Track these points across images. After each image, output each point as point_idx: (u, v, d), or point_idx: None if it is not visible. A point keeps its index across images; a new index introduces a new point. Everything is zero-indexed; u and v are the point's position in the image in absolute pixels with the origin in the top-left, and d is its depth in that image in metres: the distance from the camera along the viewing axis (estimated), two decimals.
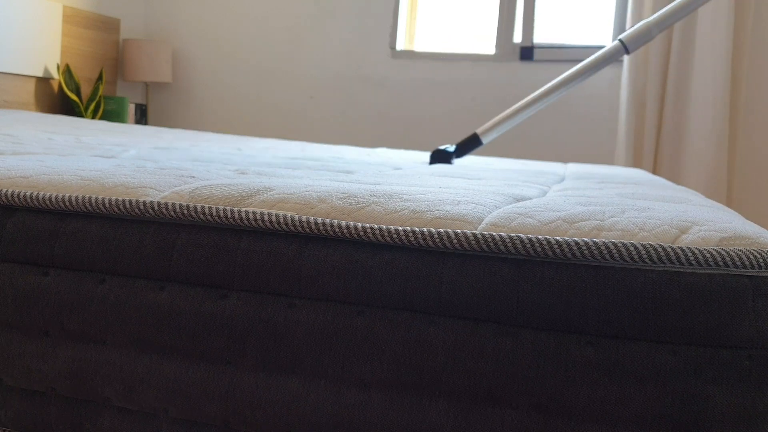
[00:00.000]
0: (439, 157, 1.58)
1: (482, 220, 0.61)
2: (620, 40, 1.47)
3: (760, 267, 0.53)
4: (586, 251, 0.54)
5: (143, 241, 0.65)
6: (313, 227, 0.61)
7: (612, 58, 1.48)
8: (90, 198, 0.67)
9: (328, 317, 0.59)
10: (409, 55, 3.10)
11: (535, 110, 1.55)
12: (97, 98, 2.93)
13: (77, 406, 0.67)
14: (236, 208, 0.63)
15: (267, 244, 0.62)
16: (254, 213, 0.62)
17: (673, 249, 0.53)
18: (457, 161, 1.71)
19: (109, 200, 0.67)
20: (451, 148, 1.61)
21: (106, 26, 3.18)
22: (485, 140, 1.58)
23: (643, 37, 1.45)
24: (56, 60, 2.88)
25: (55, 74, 2.88)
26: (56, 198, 0.68)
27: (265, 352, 0.60)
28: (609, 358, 0.53)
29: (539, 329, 0.55)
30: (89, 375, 0.65)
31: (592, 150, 2.85)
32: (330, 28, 3.21)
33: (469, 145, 1.60)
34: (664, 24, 1.45)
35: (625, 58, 2.54)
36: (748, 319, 0.52)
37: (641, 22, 1.46)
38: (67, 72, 2.86)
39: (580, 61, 2.83)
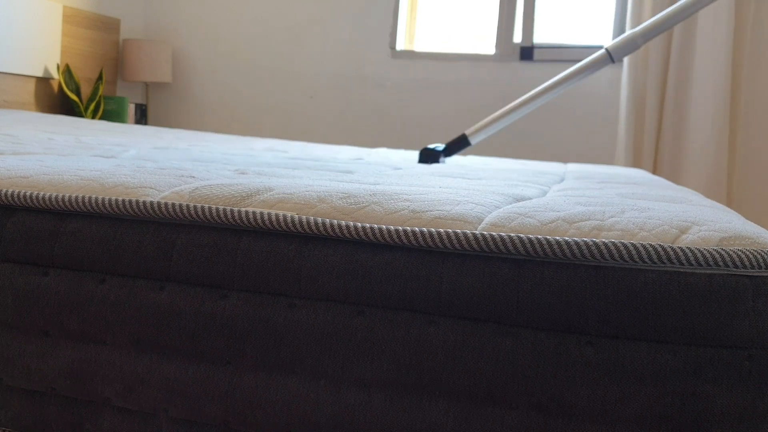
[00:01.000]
0: (428, 156, 1.61)
1: (482, 220, 0.61)
2: (606, 49, 1.52)
3: (760, 267, 0.53)
4: (586, 251, 0.54)
5: (143, 241, 0.65)
6: (313, 227, 0.61)
7: (597, 66, 1.54)
8: (90, 198, 0.67)
9: (328, 317, 0.59)
10: (409, 55, 3.10)
11: (524, 113, 1.59)
12: (97, 98, 2.93)
13: (77, 406, 0.67)
14: (236, 208, 0.63)
15: (267, 244, 0.62)
16: (254, 213, 0.62)
17: (673, 249, 0.53)
18: (453, 160, 1.73)
19: (109, 200, 0.67)
20: (441, 147, 1.64)
21: (106, 26, 3.18)
22: (473, 141, 1.62)
23: (629, 47, 1.51)
24: (56, 60, 2.88)
25: (55, 74, 2.88)
26: (56, 198, 0.68)
27: (265, 352, 0.60)
28: (609, 358, 0.53)
29: (539, 329, 0.55)
30: (89, 375, 0.65)
31: (592, 150, 2.85)
32: (330, 28, 3.21)
33: (458, 145, 1.64)
34: (650, 35, 1.50)
35: (625, 58, 2.54)
36: (748, 319, 0.52)
37: (628, 32, 1.52)
38: (67, 72, 2.86)
39: (580, 61, 2.83)
